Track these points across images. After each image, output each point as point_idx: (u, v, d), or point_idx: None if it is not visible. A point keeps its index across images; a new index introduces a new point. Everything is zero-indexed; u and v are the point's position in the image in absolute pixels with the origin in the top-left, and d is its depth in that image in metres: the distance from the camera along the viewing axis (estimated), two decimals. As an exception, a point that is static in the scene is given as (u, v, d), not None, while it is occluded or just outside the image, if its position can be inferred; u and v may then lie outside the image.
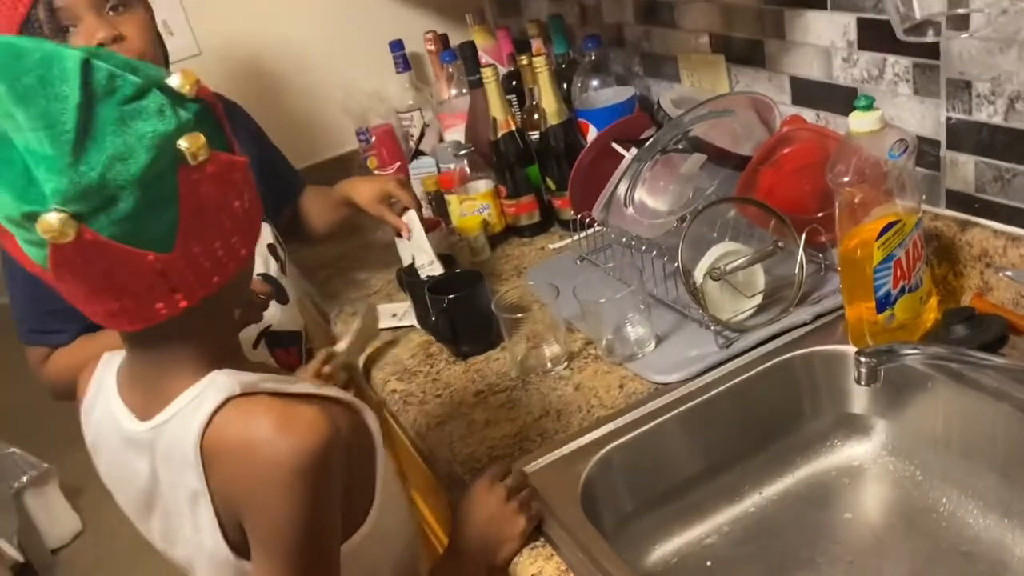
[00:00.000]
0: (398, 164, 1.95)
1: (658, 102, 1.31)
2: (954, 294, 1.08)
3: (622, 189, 1.18)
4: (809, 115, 1.25)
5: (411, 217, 1.37)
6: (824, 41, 1.16)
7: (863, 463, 1.08)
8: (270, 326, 1.26)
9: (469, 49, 1.60)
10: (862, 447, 1.08)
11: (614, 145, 1.21)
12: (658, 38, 1.52)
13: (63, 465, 2.63)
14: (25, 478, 2.58)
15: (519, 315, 1.19)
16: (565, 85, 1.62)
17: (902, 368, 1.01)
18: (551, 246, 1.55)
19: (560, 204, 1.57)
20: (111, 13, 1.12)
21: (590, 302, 1.15)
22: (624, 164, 1.22)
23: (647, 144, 1.13)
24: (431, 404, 1.18)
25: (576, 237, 1.47)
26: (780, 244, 1.14)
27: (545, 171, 1.57)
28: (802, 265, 1.14)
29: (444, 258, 1.36)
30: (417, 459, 1.19)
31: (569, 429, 1.05)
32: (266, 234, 1.33)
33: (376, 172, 1.95)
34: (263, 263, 1.29)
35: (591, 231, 1.41)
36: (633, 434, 1.01)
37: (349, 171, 2.02)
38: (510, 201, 1.59)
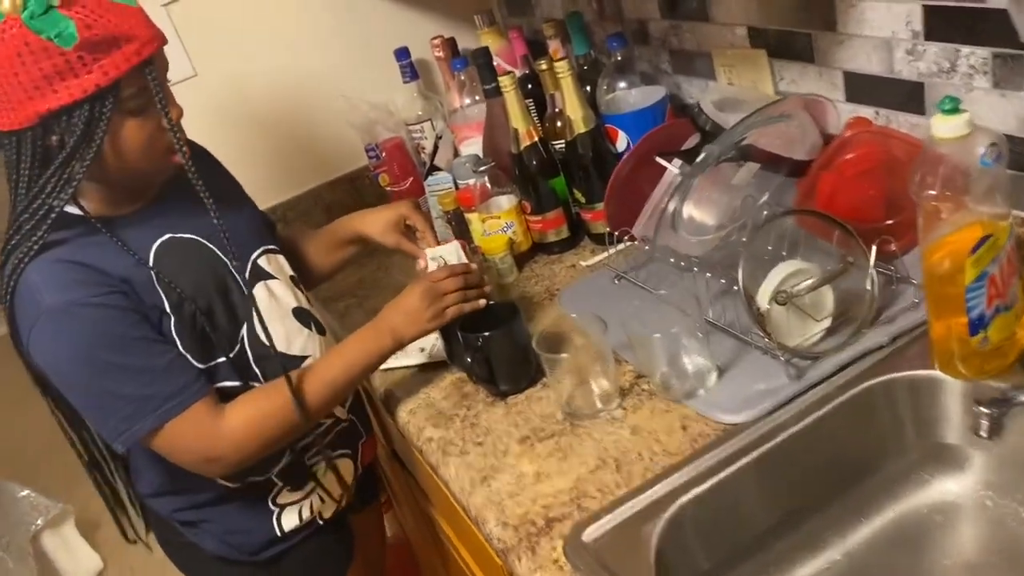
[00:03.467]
0: (411, 179, 1.85)
1: (698, 105, 1.20)
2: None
3: (670, 207, 1.07)
4: (866, 112, 1.14)
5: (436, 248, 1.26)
6: (884, 32, 1.05)
7: (958, 499, 0.97)
8: (308, 357, 1.18)
9: (483, 56, 1.49)
10: (956, 482, 0.98)
11: (659, 160, 1.10)
12: (688, 33, 1.41)
13: (77, 500, 2.54)
14: (41, 520, 2.50)
15: (562, 355, 1.08)
16: (588, 88, 1.51)
17: (1003, 391, 0.91)
18: (583, 263, 1.44)
19: (591, 218, 1.46)
20: None
21: (644, 336, 1.05)
22: (668, 180, 1.12)
23: (698, 161, 1.02)
24: (472, 454, 1.08)
25: (610, 252, 1.37)
26: (850, 259, 1.04)
27: (573, 183, 1.46)
28: (874, 281, 1.03)
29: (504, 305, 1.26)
30: (465, 520, 1.08)
31: (632, 481, 0.95)
32: (285, 264, 1.24)
33: (388, 189, 1.85)
34: (292, 296, 1.20)
35: (625, 245, 1.31)
36: (706, 485, 0.91)
37: (360, 189, 1.92)
38: (536, 217, 1.48)
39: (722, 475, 0.92)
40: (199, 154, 1.24)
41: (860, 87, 1.13)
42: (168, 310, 1.04)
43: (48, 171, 0.95)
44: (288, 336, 1.16)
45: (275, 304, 1.17)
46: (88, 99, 0.93)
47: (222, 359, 1.09)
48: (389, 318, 1.14)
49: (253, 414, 1.06)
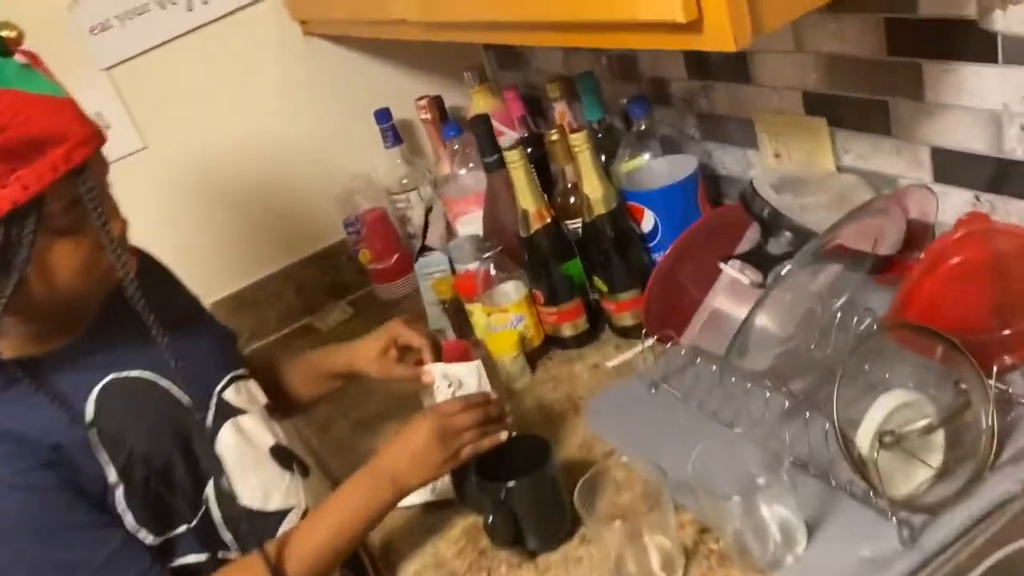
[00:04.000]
0: (396, 256, 1.64)
1: (752, 187, 1.00)
2: None
3: (745, 325, 0.86)
4: (962, 196, 0.95)
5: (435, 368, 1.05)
6: (991, 103, 0.86)
7: None
8: (307, 510, 0.97)
9: (483, 125, 1.29)
10: None
11: (725, 268, 0.90)
12: (723, 95, 1.21)
13: None
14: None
15: (613, 518, 0.86)
16: (603, 156, 1.30)
17: None
18: (608, 363, 1.23)
19: (615, 309, 1.25)
20: None
21: (720, 499, 0.83)
22: (729, 284, 0.91)
23: (783, 274, 0.81)
24: (501, 642, 0.85)
25: (641, 350, 1.16)
26: (963, 386, 0.84)
27: (593, 270, 1.25)
28: (992, 414, 0.83)
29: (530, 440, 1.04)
30: None
31: None
32: (257, 392, 1.01)
33: (370, 266, 1.64)
34: (268, 432, 0.98)
35: (650, 342, 1.11)
36: None
37: (338, 267, 1.70)
38: (550, 308, 1.27)
39: None
40: (146, 268, 1.01)
41: (954, 166, 0.94)
42: (114, 479, 0.81)
43: None
44: (266, 487, 0.94)
45: (248, 447, 0.95)
46: (2, 221, 0.71)
47: (182, 528, 0.86)
48: (389, 463, 0.92)
49: None
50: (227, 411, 0.96)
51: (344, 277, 1.71)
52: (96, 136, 0.77)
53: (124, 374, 0.87)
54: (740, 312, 0.96)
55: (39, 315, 0.82)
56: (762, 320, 0.91)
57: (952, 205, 0.94)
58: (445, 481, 1.04)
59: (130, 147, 1.45)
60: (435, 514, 1.04)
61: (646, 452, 1.00)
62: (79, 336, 0.87)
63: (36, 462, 0.77)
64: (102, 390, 0.84)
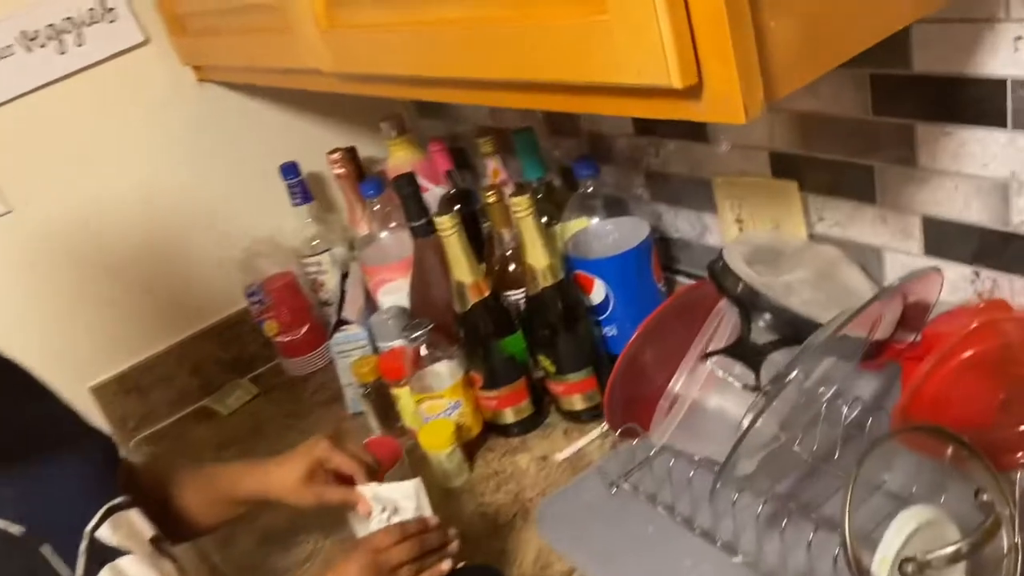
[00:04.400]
0: (306, 327, 1.46)
1: (722, 260, 0.88)
2: None
3: (734, 454, 0.73)
4: (958, 271, 0.85)
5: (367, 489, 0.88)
6: (997, 172, 0.77)
7: None
8: None
9: (408, 185, 1.13)
10: None
11: (712, 367, 0.76)
12: (677, 154, 1.10)
13: None
14: None
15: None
16: (544, 218, 1.17)
17: None
18: (558, 455, 1.09)
19: (562, 391, 1.11)
20: None
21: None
22: (703, 375, 0.78)
23: (786, 382, 0.69)
24: None
25: (594, 438, 1.03)
26: (986, 497, 0.73)
27: (537, 347, 1.11)
28: (1017, 537, 0.73)
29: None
30: None
31: None
32: (142, 525, 0.82)
33: (278, 339, 1.45)
34: (156, 572, 0.78)
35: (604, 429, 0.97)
36: None
37: (239, 340, 1.51)
38: (490, 392, 1.12)
39: None
40: None
41: (949, 239, 0.84)
42: None
43: None
44: None
45: None
46: None
47: None
48: None
49: None
50: (103, 554, 0.76)
51: (247, 351, 1.52)
52: None
53: None
54: (724, 407, 0.83)
55: None
56: (747, 422, 0.78)
57: (947, 280, 0.84)
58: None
59: (-10, 211, 1.24)
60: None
61: (611, 571, 0.87)
62: None
63: None
64: None
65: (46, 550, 0.71)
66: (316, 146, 1.48)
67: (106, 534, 0.77)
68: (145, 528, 0.83)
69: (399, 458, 1.03)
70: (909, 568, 0.69)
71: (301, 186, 1.44)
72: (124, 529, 0.80)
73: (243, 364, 1.51)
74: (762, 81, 0.53)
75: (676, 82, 0.53)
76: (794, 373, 0.69)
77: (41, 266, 1.33)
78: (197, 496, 0.93)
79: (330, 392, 1.39)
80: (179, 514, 0.93)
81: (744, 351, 0.78)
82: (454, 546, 0.82)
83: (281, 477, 0.89)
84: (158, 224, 1.41)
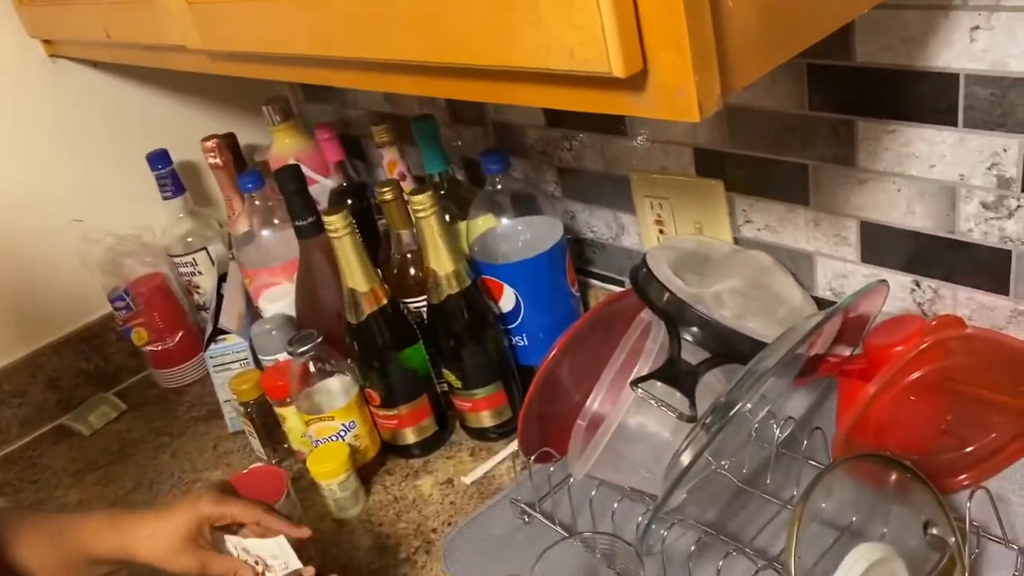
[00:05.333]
0: (180, 334, 1.32)
1: (645, 267, 0.79)
2: None
3: (671, 495, 0.64)
4: (897, 280, 0.79)
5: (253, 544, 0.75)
6: (945, 174, 0.70)
7: None
8: None
9: (293, 181, 1.00)
10: None
11: (642, 395, 0.67)
12: (592, 148, 1.01)
13: None
14: None
15: None
16: (447, 217, 1.06)
17: None
18: (465, 480, 0.99)
19: (470, 408, 1.01)
20: None
21: None
22: (629, 398, 0.70)
23: (730, 415, 0.60)
24: None
25: (503, 459, 0.94)
26: (936, 532, 0.67)
27: (441, 359, 1.01)
28: (960, 547, 0.67)
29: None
30: None
31: None
32: None
33: (147, 349, 1.30)
34: None
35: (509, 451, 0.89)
36: None
37: (102, 351, 1.35)
38: (388, 411, 1.01)
39: None
40: None
41: (889, 245, 0.78)
42: None
43: None
44: None
45: None
46: None
47: None
48: None
49: None
50: None
51: (112, 362, 1.36)
52: None
53: None
54: (645, 425, 0.75)
55: None
56: (685, 458, 0.69)
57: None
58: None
59: None
60: None
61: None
62: None
63: None
64: None
65: None
66: (190, 132, 1.33)
67: None
68: None
69: (284, 490, 0.91)
70: (863, 617, 0.62)
71: (172, 177, 1.29)
72: None
73: (108, 377, 1.35)
74: (719, 73, 0.44)
75: (617, 70, 0.44)
76: (739, 405, 0.61)
77: None
78: (38, 553, 0.77)
79: (208, 407, 1.25)
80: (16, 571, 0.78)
81: (675, 374, 0.69)
82: None
83: (154, 536, 0.75)
84: (9, 221, 1.23)
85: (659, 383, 0.68)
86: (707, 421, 0.62)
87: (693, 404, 0.66)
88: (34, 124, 1.24)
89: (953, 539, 0.67)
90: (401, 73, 0.60)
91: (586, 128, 1.00)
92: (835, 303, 0.79)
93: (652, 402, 0.66)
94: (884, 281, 0.70)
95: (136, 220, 1.31)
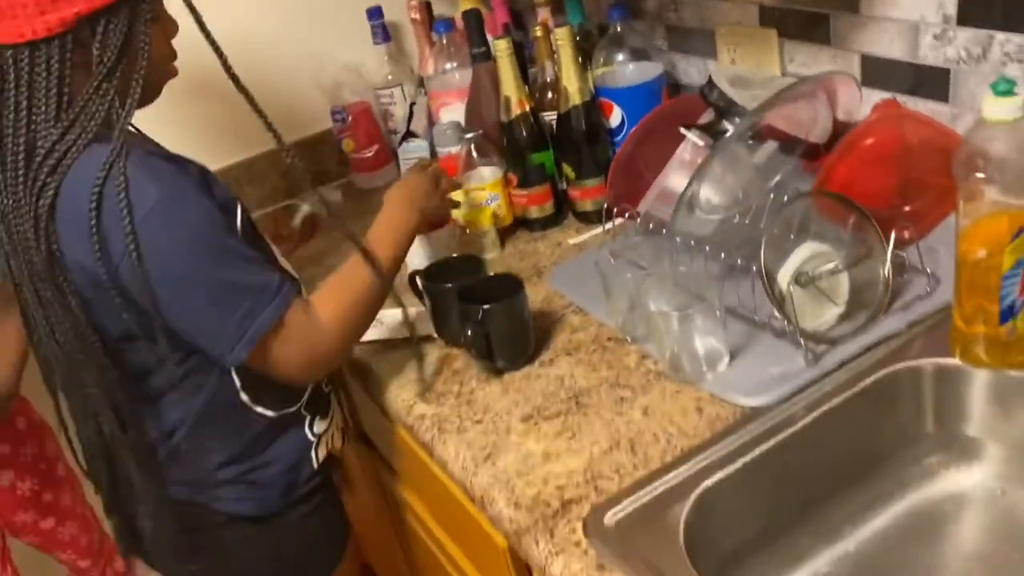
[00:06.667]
0: (376, 147, 1.77)
1: (710, 80, 1.16)
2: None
3: (692, 185, 1.02)
4: (881, 97, 1.12)
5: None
6: (912, 15, 1.04)
7: (971, 490, 0.96)
8: None
9: (474, 18, 1.42)
10: (970, 472, 0.97)
11: (685, 132, 1.06)
12: (691, 8, 1.37)
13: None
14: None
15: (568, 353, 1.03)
16: (581, 59, 1.45)
17: (1020, 383, 0.90)
18: (570, 241, 1.39)
19: (579, 195, 1.41)
20: None
21: (659, 313, 1.00)
22: (683, 155, 1.08)
23: (728, 135, 0.98)
24: (471, 432, 1.01)
25: (604, 229, 1.32)
26: (869, 244, 1.02)
27: (563, 157, 1.41)
28: (890, 267, 1.02)
29: (469, 258, 1.20)
30: (463, 503, 1.02)
31: (650, 463, 0.90)
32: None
33: (352, 155, 1.77)
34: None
35: (615, 224, 1.27)
36: (730, 469, 0.87)
37: (320, 155, 1.82)
38: (521, 191, 1.42)
39: (747, 459, 0.88)
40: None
41: (878, 71, 1.11)
42: (239, 211, 0.98)
43: (98, 81, 0.88)
44: None
45: None
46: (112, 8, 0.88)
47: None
48: (400, 196, 1.14)
49: (343, 301, 0.99)
50: None
51: (326, 167, 1.84)
52: None
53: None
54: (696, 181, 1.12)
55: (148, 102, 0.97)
56: (706, 192, 1.07)
57: (872, 104, 1.11)
58: (397, 318, 1.20)
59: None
60: (415, 349, 1.19)
61: (601, 304, 1.17)
62: None
63: (199, 181, 0.92)
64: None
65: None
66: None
67: None
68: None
69: (448, 223, 1.34)
70: (802, 279, 0.98)
71: (382, 28, 1.73)
72: None
73: (322, 176, 1.83)
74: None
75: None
76: (732, 128, 0.98)
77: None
78: None
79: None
80: None
81: (713, 133, 1.06)
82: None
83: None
84: (263, 49, 1.70)
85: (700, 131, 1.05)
86: (712, 145, 1.00)
87: (717, 144, 1.03)
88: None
89: (880, 251, 1.01)
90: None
91: (688, -7, 1.36)
92: (842, 120, 1.13)
93: (691, 134, 1.03)
94: (846, 73, 1.04)
95: (353, 58, 1.77)
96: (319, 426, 1.10)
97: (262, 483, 1.06)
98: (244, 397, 1.02)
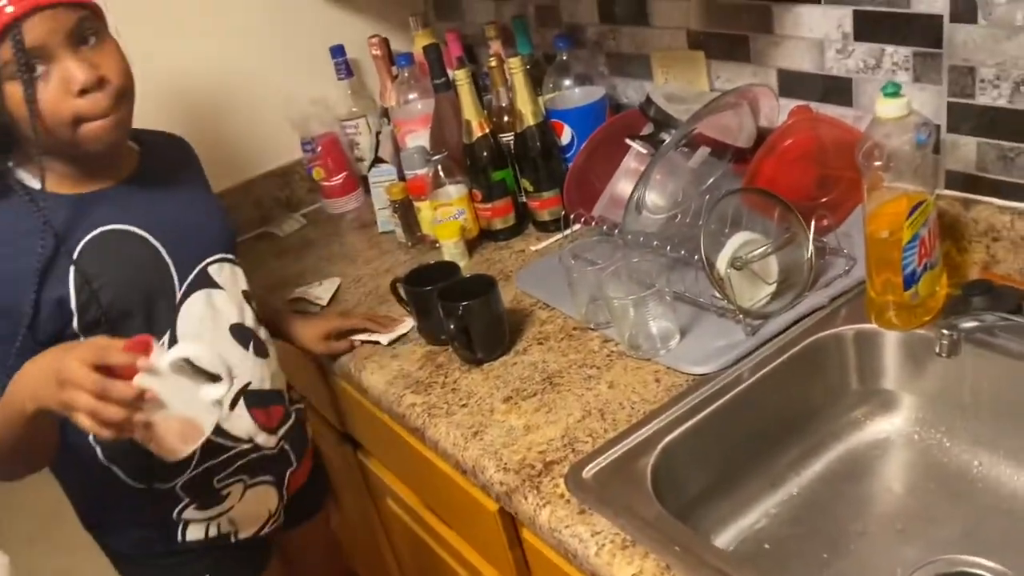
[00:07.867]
0: (344, 174, 1.90)
1: (648, 98, 1.32)
2: (959, 269, 1.14)
3: (638, 190, 1.17)
4: (795, 104, 1.29)
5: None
6: (817, 33, 1.21)
7: (892, 436, 1.12)
8: (249, 384, 1.16)
9: (435, 52, 1.57)
10: (890, 421, 1.13)
11: (630, 143, 1.21)
12: (628, 36, 1.53)
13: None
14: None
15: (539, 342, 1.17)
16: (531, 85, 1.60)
17: (926, 340, 1.06)
18: (532, 248, 1.54)
19: (538, 206, 1.56)
20: (86, 48, 0.97)
21: (617, 300, 1.14)
22: (629, 164, 1.23)
23: (667, 142, 1.13)
24: (459, 414, 1.14)
25: (563, 234, 1.47)
26: (792, 231, 1.18)
27: (522, 173, 1.55)
28: (812, 251, 1.18)
29: (446, 265, 1.33)
30: (455, 478, 1.14)
31: (618, 426, 1.04)
32: (241, 278, 1.20)
33: (322, 183, 1.89)
34: (236, 311, 1.16)
35: (573, 229, 1.42)
36: (688, 425, 1.01)
37: (291, 184, 1.95)
38: (485, 205, 1.56)
39: (700, 417, 1.03)
40: (161, 143, 1.22)
41: (792, 83, 1.28)
42: (71, 309, 1.00)
43: None
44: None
45: (210, 317, 1.12)
46: None
47: None
48: (32, 371, 0.91)
49: None
50: (204, 282, 1.11)
51: (297, 194, 1.96)
52: None
53: (121, 227, 1.05)
54: (640, 185, 1.28)
55: (61, 157, 1.02)
56: (651, 195, 1.23)
57: (788, 111, 1.28)
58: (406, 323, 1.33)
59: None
60: (398, 347, 1.32)
61: (565, 299, 1.31)
62: (110, 185, 1.07)
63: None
64: (97, 236, 1.03)
65: (167, 263, 1.08)
66: (355, 36, 1.91)
67: (214, 271, 1.13)
68: (242, 282, 1.19)
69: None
70: (737, 264, 1.13)
71: (345, 64, 1.87)
72: (227, 275, 1.15)
73: (294, 202, 1.95)
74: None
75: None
76: (670, 138, 1.13)
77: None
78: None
79: (361, 223, 1.83)
80: None
81: (653, 143, 1.22)
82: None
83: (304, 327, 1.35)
84: (234, 87, 1.83)
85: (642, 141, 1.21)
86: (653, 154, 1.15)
87: (659, 151, 1.19)
88: (256, 23, 1.83)
89: (804, 237, 1.17)
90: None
91: (624, 22, 1.52)
92: (764, 126, 1.30)
93: (635, 144, 1.19)
94: (765, 84, 1.21)
95: (318, 94, 1.90)
96: (192, 513, 1.14)
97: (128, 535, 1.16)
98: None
